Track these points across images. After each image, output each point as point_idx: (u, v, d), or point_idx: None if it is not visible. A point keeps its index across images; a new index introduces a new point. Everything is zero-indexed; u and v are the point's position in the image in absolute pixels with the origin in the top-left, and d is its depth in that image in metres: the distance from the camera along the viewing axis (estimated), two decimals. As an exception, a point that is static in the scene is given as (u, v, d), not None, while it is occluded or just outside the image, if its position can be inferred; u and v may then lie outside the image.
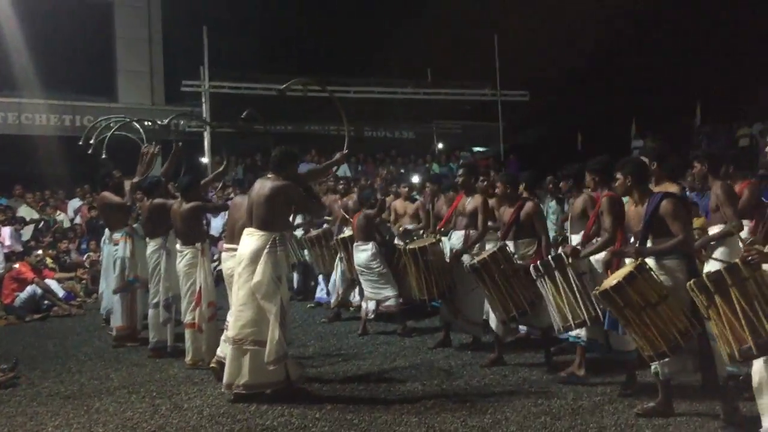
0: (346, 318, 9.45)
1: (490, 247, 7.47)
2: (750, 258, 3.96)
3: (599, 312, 5.58)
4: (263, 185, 5.90)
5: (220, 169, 9.06)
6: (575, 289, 5.66)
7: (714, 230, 5.89)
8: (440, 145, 22.79)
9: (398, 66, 22.41)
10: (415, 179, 11.80)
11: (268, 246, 5.70)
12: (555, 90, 22.58)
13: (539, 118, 22.50)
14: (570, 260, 5.74)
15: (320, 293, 10.51)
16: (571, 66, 22.85)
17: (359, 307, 9.43)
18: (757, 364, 4.11)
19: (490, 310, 6.82)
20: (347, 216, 9.35)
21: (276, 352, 5.63)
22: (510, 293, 6.43)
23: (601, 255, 5.70)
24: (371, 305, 8.46)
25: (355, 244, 8.62)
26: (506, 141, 22.61)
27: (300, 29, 22.78)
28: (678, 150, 9.31)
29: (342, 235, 9.25)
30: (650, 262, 4.96)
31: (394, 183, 12.91)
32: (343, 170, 18.54)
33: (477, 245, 7.33)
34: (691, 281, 4.22)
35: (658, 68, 22.67)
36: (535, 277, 5.94)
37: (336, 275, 9.58)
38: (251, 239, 5.79)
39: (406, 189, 10.03)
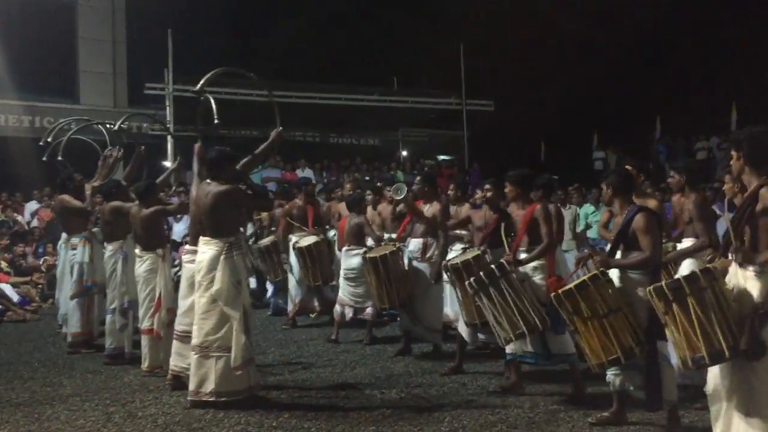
0: (305, 324, 9.40)
1: (454, 252, 7.47)
2: (712, 268, 4.03)
3: (545, 315, 5.60)
4: (206, 192, 5.83)
5: (174, 166, 8.89)
6: (522, 295, 5.62)
7: (686, 243, 5.98)
8: (405, 153, 22.89)
9: (364, 73, 22.45)
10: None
11: (224, 252, 5.68)
12: (520, 100, 22.86)
13: (504, 128, 22.72)
14: (512, 268, 5.74)
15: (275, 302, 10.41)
16: (536, 77, 23.15)
17: (319, 313, 9.38)
18: (712, 372, 4.16)
19: (460, 314, 6.66)
20: (293, 223, 9.25)
21: (242, 357, 5.60)
22: None
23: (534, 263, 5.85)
24: (348, 312, 8.31)
25: (345, 248, 8.44)
26: (471, 150, 22.81)
27: (266, 34, 22.67)
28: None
29: (306, 243, 8.88)
30: (615, 273, 5.03)
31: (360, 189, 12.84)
32: (309, 174, 18.46)
33: (437, 251, 7.29)
34: (651, 287, 4.27)
35: (620, 81, 23.10)
36: (472, 292, 5.79)
37: (291, 284, 9.36)
38: (207, 248, 5.76)
39: (371, 197, 9.93)
